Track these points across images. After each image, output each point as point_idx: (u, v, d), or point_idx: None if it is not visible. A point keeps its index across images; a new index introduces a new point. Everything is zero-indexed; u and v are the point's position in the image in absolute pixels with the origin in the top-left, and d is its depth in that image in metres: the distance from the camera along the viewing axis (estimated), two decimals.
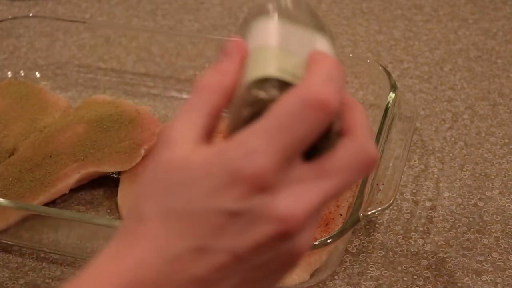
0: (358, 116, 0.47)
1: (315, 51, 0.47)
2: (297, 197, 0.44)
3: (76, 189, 0.86)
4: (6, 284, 0.78)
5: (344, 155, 0.45)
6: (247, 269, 0.46)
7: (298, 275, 0.76)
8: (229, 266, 0.45)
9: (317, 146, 0.45)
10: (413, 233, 0.83)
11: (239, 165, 0.43)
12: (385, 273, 0.79)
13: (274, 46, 0.46)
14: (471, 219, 0.85)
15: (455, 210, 0.86)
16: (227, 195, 0.44)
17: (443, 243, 0.82)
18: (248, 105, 0.45)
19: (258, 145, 0.43)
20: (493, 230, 0.83)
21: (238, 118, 0.46)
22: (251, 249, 0.45)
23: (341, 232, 0.73)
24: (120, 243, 0.47)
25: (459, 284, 0.78)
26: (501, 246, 0.82)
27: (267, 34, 0.46)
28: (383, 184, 0.78)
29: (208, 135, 0.47)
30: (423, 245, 0.82)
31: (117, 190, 0.85)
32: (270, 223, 0.44)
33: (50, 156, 0.85)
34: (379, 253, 0.81)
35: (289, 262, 0.47)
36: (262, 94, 0.45)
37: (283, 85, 0.45)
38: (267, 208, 0.44)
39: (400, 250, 0.81)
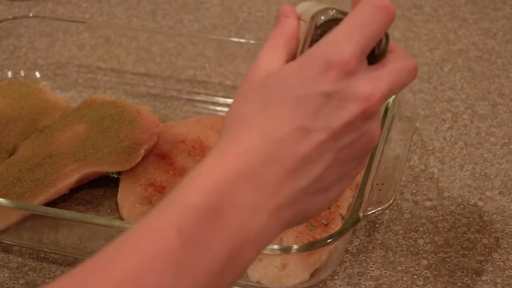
0: (396, 44, 0.59)
1: None
2: (373, 81, 0.54)
3: (76, 189, 0.86)
4: (6, 284, 0.78)
5: (397, 60, 0.56)
6: (338, 149, 0.54)
7: (298, 275, 0.76)
8: (326, 144, 0.53)
9: (372, 56, 0.56)
10: (413, 233, 0.83)
11: (330, 54, 0.53)
12: (385, 273, 0.79)
13: (314, 2, 0.59)
14: (471, 219, 0.85)
15: (455, 210, 0.86)
16: (322, 80, 0.53)
17: (443, 243, 0.82)
18: (314, 29, 0.57)
19: (343, 38, 0.54)
20: (493, 230, 0.83)
21: (307, 46, 0.57)
22: (344, 125, 0.53)
23: (341, 232, 0.73)
24: (227, 139, 0.54)
25: (459, 284, 0.78)
26: (501, 246, 0.82)
27: (307, 3, 0.59)
28: (383, 184, 0.78)
29: None
30: (423, 245, 0.82)
31: (117, 190, 0.85)
32: (357, 101, 0.53)
33: (50, 156, 0.85)
34: (379, 253, 0.81)
35: (367, 146, 0.56)
36: (326, 16, 0.57)
37: (338, 11, 0.57)
38: (354, 89, 0.53)
39: (400, 250, 0.81)
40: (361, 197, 0.76)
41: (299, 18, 0.58)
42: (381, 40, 0.57)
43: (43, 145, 0.87)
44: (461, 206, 0.86)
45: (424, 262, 0.80)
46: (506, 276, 0.78)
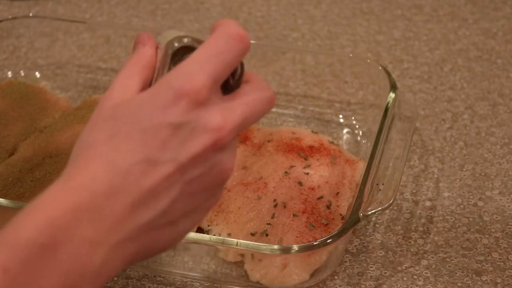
0: (252, 72, 0.58)
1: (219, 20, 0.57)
2: (225, 112, 0.53)
3: None
4: None
5: (252, 91, 0.55)
6: (186, 181, 0.53)
7: (298, 275, 0.76)
8: (172, 176, 0.52)
9: (227, 86, 0.55)
10: (413, 233, 0.83)
11: (180, 84, 0.52)
12: (385, 273, 0.79)
13: (175, 31, 0.58)
14: (471, 219, 0.85)
15: (455, 210, 0.86)
16: (171, 110, 0.52)
17: (443, 243, 0.82)
18: (169, 57, 0.56)
19: (195, 68, 0.52)
20: (493, 230, 0.83)
21: (162, 74, 0.56)
22: (192, 158, 0.52)
23: (341, 232, 0.73)
24: (71, 169, 0.52)
25: (459, 284, 0.78)
26: (501, 246, 0.82)
27: (168, 32, 0.58)
28: (383, 184, 0.78)
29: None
30: (423, 245, 0.82)
31: None
32: (207, 133, 0.52)
33: (50, 156, 0.85)
34: (379, 253, 0.81)
35: (219, 179, 0.54)
36: (180, 43, 0.56)
37: (193, 39, 0.57)
38: (204, 120, 0.52)
39: (400, 250, 0.81)
40: (361, 197, 0.76)
41: (157, 46, 0.57)
42: (236, 69, 0.56)
43: (43, 145, 0.87)
44: (461, 206, 0.86)
45: (424, 262, 0.80)
46: (506, 276, 0.79)
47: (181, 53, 0.56)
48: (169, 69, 0.56)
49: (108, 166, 0.51)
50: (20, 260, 0.48)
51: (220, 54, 0.53)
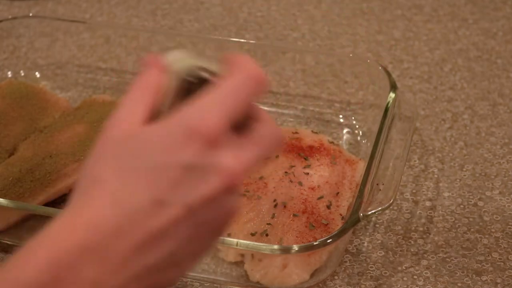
0: (263, 111, 0.55)
1: (231, 54, 0.55)
2: (237, 156, 0.51)
3: None
4: None
5: (263, 131, 0.53)
6: (195, 224, 0.50)
7: (298, 275, 0.76)
8: (181, 219, 0.50)
9: (238, 125, 0.53)
10: (413, 233, 0.83)
11: (195, 122, 0.50)
12: (385, 273, 0.79)
13: (187, 54, 0.55)
14: (471, 219, 0.85)
15: (455, 210, 0.86)
16: (183, 150, 0.49)
17: (443, 243, 0.82)
18: (180, 87, 0.53)
19: (211, 107, 0.50)
20: (493, 230, 0.83)
21: (172, 104, 0.53)
22: (203, 201, 0.50)
23: (341, 232, 0.73)
24: (76, 204, 0.50)
25: (459, 284, 0.78)
26: (501, 246, 0.82)
27: (178, 53, 0.56)
28: (383, 184, 0.78)
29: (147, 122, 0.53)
30: (423, 245, 0.82)
31: None
32: (219, 176, 0.50)
33: (50, 156, 0.85)
34: (379, 253, 0.81)
35: (226, 219, 0.52)
36: (193, 75, 0.54)
37: (206, 70, 0.54)
38: (217, 162, 0.50)
39: (400, 250, 0.81)
40: (361, 197, 0.76)
41: (166, 69, 0.54)
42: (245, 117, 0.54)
43: (43, 145, 0.87)
44: (461, 206, 0.86)
45: (424, 262, 0.80)
46: (506, 276, 0.79)
47: (192, 83, 0.54)
48: (180, 98, 0.53)
49: (116, 205, 0.49)
50: None
51: (237, 94, 0.51)
